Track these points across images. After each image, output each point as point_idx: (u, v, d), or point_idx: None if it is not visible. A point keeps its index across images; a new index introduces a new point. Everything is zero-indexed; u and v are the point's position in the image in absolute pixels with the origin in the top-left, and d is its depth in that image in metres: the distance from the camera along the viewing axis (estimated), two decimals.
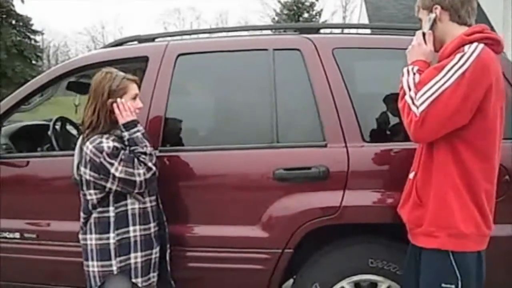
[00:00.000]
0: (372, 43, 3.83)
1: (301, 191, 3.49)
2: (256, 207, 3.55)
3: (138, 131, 3.36)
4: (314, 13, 42.33)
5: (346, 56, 3.68)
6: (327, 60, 3.62)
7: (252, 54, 3.83)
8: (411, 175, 2.94)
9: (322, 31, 4.12)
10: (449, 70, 2.55)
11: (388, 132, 3.71)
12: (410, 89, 2.67)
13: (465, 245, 2.68)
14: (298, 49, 3.70)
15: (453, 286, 2.69)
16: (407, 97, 2.66)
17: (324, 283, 3.50)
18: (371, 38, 3.97)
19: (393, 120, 3.64)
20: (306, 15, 41.59)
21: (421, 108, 2.55)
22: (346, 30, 4.75)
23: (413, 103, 2.60)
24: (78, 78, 4.73)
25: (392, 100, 3.52)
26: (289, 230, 3.48)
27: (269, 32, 4.76)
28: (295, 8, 41.16)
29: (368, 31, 4.40)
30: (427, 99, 2.55)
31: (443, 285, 2.70)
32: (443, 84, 2.54)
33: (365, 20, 35.71)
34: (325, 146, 3.51)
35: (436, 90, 2.54)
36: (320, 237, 3.57)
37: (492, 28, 2.89)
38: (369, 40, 3.91)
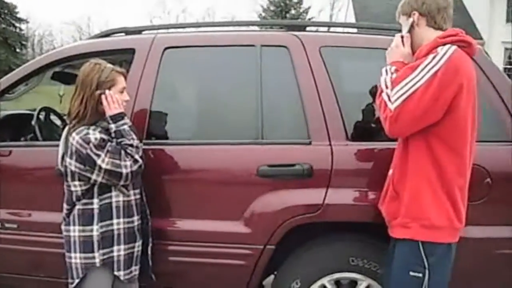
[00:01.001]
0: (359, 42, 3.84)
1: (284, 188, 3.50)
2: (239, 203, 3.55)
3: (125, 123, 3.35)
4: (301, 10, 42.41)
5: (333, 55, 3.69)
6: (314, 58, 3.63)
7: (240, 49, 3.83)
8: (390, 172, 3.06)
9: (308, 29, 4.14)
10: (422, 70, 2.68)
11: (372, 131, 3.70)
12: (387, 87, 2.80)
13: (436, 236, 2.79)
14: (285, 46, 3.70)
15: (420, 274, 2.81)
16: (383, 95, 2.80)
17: (305, 280, 3.52)
18: (358, 38, 3.98)
19: (378, 120, 3.65)
20: (293, 11, 41.70)
21: (395, 104, 2.69)
22: (332, 29, 4.75)
23: (389, 99, 2.74)
24: (63, 68, 4.70)
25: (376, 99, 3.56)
26: (271, 227, 3.49)
27: (256, 28, 4.76)
28: (282, 4, 41.25)
29: (354, 30, 4.42)
30: (401, 96, 2.69)
31: (411, 273, 2.83)
32: (416, 83, 2.67)
33: (351, 19, 35.84)
34: (310, 143, 3.52)
35: (410, 88, 2.68)
36: (302, 234, 3.58)
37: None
38: (356, 39, 3.91)
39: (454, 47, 2.71)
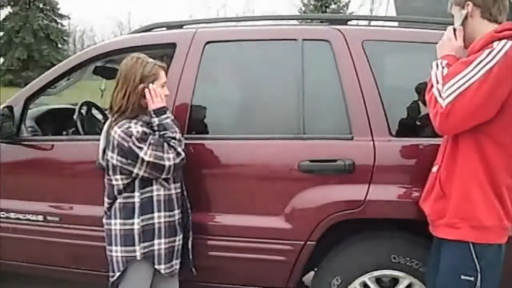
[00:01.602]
0: (401, 36, 3.79)
1: (326, 183, 3.47)
2: (280, 198, 3.54)
3: (168, 117, 3.37)
4: (341, 4, 42.18)
5: (376, 49, 3.64)
6: (357, 52, 3.59)
7: (281, 43, 3.81)
8: (434, 169, 2.97)
9: (350, 23, 4.09)
10: (477, 65, 2.57)
11: (415, 127, 3.67)
12: (438, 82, 2.70)
13: (487, 237, 2.71)
14: (327, 40, 3.66)
15: (472, 278, 2.72)
16: (434, 90, 2.69)
17: (345, 277, 3.49)
18: (401, 31, 3.93)
19: (421, 115, 3.61)
20: (333, 6, 41.45)
21: (447, 100, 2.58)
22: (373, 23, 4.70)
23: (440, 95, 2.63)
24: (105, 63, 4.73)
25: (420, 94, 3.50)
26: (312, 222, 3.47)
27: (296, 22, 4.73)
28: None
29: (395, 24, 4.36)
30: (453, 92, 2.58)
31: (462, 277, 2.73)
32: (470, 78, 2.56)
33: (392, 13, 35.52)
34: (352, 139, 3.49)
35: (463, 84, 2.56)
36: (344, 231, 3.55)
37: None
38: (398, 33, 3.86)
39: (510, 43, 2.58)
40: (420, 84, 3.48)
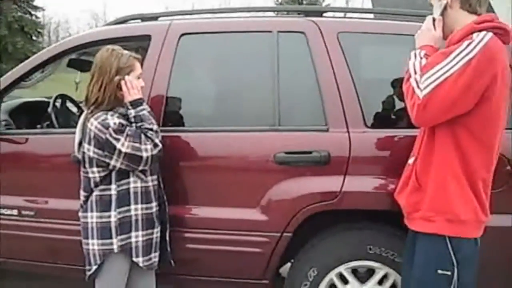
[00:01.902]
0: (377, 28, 3.80)
1: (301, 175, 3.48)
2: (256, 190, 3.54)
3: (144, 109, 3.37)
4: None
5: (351, 41, 3.65)
6: (332, 44, 3.59)
7: (256, 35, 3.80)
8: (410, 161, 2.95)
9: (325, 14, 4.10)
10: (455, 56, 2.54)
11: (391, 119, 3.70)
12: (415, 73, 2.67)
13: (463, 231, 2.70)
14: (302, 32, 3.67)
15: (449, 272, 2.71)
16: (411, 80, 2.66)
17: (322, 267, 3.50)
18: (376, 23, 3.95)
19: (396, 106, 3.64)
20: None
21: (425, 91, 2.56)
22: (348, 15, 4.72)
23: (418, 86, 2.61)
24: (79, 56, 4.70)
25: (396, 86, 3.53)
26: (288, 214, 3.48)
27: (272, 14, 4.73)
28: None
29: (371, 16, 4.38)
30: (431, 83, 2.55)
31: (439, 271, 2.72)
32: (448, 70, 2.53)
33: (368, 5, 35.60)
34: (327, 131, 3.49)
35: (441, 75, 2.54)
36: (320, 222, 3.56)
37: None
38: (374, 25, 3.88)
39: (490, 34, 2.57)
40: (396, 75, 3.51)
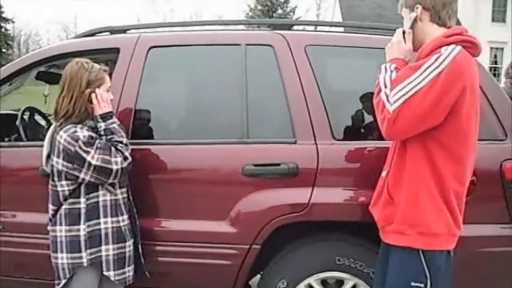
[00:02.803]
0: (344, 41, 3.84)
1: (270, 187, 3.50)
2: (225, 202, 3.55)
3: (114, 122, 3.37)
4: (288, 9, 42.53)
5: (319, 54, 3.69)
6: (299, 57, 3.63)
7: (225, 48, 3.83)
8: (383, 174, 2.96)
9: (295, 28, 4.13)
10: (424, 70, 2.56)
11: (358, 131, 3.73)
12: (385, 86, 2.69)
13: (436, 243, 2.71)
14: (270, 45, 3.70)
15: (422, 285, 2.71)
16: (382, 94, 2.68)
17: (291, 279, 3.51)
18: (344, 36, 3.99)
19: (364, 119, 3.67)
20: (280, 11, 41.79)
21: (395, 106, 2.57)
22: (319, 28, 4.75)
23: (388, 100, 2.62)
24: (48, 68, 4.67)
25: (363, 98, 3.57)
26: (257, 226, 3.49)
27: (242, 27, 4.75)
28: (269, 4, 41.32)
29: (341, 29, 4.42)
30: (401, 97, 2.57)
31: (412, 283, 2.72)
32: (417, 84, 2.55)
33: (338, 19, 35.98)
34: (295, 143, 3.52)
35: (411, 89, 2.56)
36: (288, 234, 3.57)
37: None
38: (341, 38, 3.92)
39: (458, 48, 2.60)
40: (363, 88, 3.55)
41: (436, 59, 2.57)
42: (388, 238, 2.86)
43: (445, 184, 2.68)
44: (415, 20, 2.82)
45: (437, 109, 2.55)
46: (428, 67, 2.56)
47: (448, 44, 2.64)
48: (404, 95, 2.56)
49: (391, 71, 2.74)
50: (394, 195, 2.79)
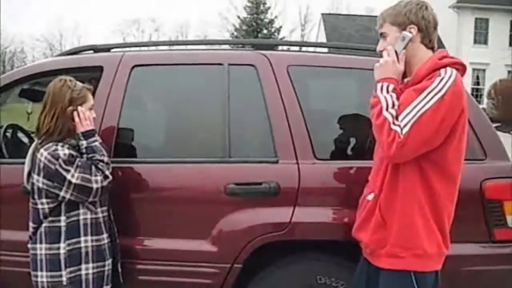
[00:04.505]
0: (327, 61, 3.88)
1: (252, 206, 3.51)
2: (207, 221, 3.54)
3: (96, 140, 3.38)
4: (273, 30, 42.73)
5: (301, 74, 3.71)
6: (282, 77, 3.65)
7: (208, 68, 3.85)
8: (369, 197, 2.92)
9: (280, 48, 4.16)
10: (429, 93, 2.58)
11: (340, 150, 3.74)
12: (389, 107, 2.65)
13: (428, 265, 2.74)
14: (253, 65, 3.72)
15: None
16: (386, 114, 2.63)
17: None
18: (326, 57, 4.02)
19: (346, 139, 3.70)
20: (265, 31, 41.95)
21: (405, 129, 2.55)
22: (303, 49, 4.79)
23: (394, 123, 2.59)
24: (31, 85, 4.67)
25: (345, 118, 3.59)
26: (238, 245, 3.48)
27: (227, 47, 4.78)
28: (254, 24, 41.49)
29: (325, 50, 4.46)
30: (409, 120, 2.56)
31: None
32: (423, 106, 2.56)
33: (323, 39, 36.17)
34: (277, 162, 3.53)
35: (417, 112, 2.56)
36: (270, 253, 3.57)
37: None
38: (324, 59, 3.95)
39: (455, 71, 2.65)
40: (345, 108, 3.58)
41: (439, 82, 2.59)
42: (381, 262, 2.84)
43: (438, 204, 2.71)
44: (409, 41, 2.78)
45: (441, 131, 2.59)
46: (432, 90, 2.58)
47: (443, 66, 2.67)
48: (412, 118, 2.56)
49: (390, 92, 2.71)
50: (387, 218, 2.78)
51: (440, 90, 2.56)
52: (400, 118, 2.59)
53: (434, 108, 2.55)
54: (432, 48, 2.83)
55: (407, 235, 2.71)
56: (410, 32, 2.78)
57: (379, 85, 2.76)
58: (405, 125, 2.56)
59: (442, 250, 2.76)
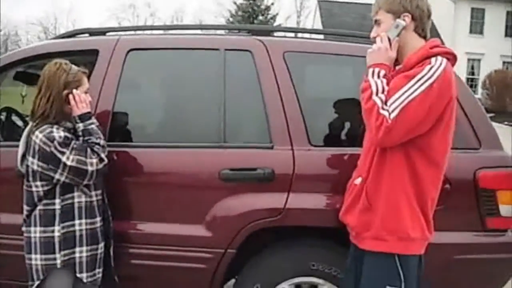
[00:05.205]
0: (323, 48, 3.87)
1: (246, 192, 3.51)
2: (201, 206, 3.55)
3: (93, 123, 3.37)
4: (269, 16, 42.59)
5: (297, 60, 3.71)
6: (278, 63, 3.65)
7: (204, 53, 3.85)
8: (357, 181, 2.99)
9: (275, 34, 4.15)
10: (418, 80, 2.63)
11: (335, 137, 3.75)
12: (379, 92, 2.70)
13: (411, 248, 2.80)
14: (249, 51, 3.72)
15: (397, 287, 2.79)
16: (376, 99, 2.69)
17: (265, 284, 3.52)
18: (322, 44, 4.01)
19: (341, 125, 3.71)
20: (260, 17, 41.82)
21: (393, 114, 2.61)
22: (299, 35, 4.78)
23: (383, 107, 2.65)
24: (26, 68, 4.65)
25: (340, 105, 3.60)
26: (232, 231, 3.49)
27: (222, 32, 4.77)
28: (250, 10, 41.35)
29: (321, 36, 4.45)
30: (398, 106, 2.62)
31: (387, 287, 2.79)
32: (412, 93, 2.62)
33: (318, 26, 36.13)
34: (272, 148, 3.54)
35: (406, 98, 2.61)
36: (263, 239, 3.59)
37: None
38: (320, 45, 3.94)
39: (445, 60, 2.69)
40: (340, 95, 3.58)
41: (429, 70, 2.64)
42: (366, 245, 2.90)
43: (423, 190, 2.76)
44: (403, 29, 2.82)
45: (428, 118, 2.64)
46: (422, 77, 2.63)
47: (434, 55, 2.71)
48: (401, 103, 2.62)
49: (381, 77, 2.76)
50: (373, 202, 2.84)
51: (429, 78, 2.62)
52: (388, 103, 2.65)
53: (423, 95, 2.60)
54: (425, 37, 2.87)
55: (392, 219, 2.78)
56: (404, 20, 2.82)
57: (370, 70, 2.81)
58: (393, 110, 2.62)
59: (426, 235, 2.81)
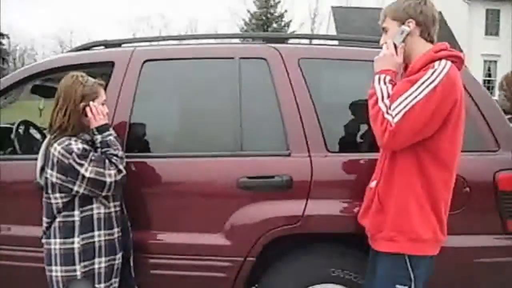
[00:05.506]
0: (337, 54, 3.87)
1: (264, 199, 3.51)
2: (220, 215, 3.55)
3: (110, 134, 3.38)
4: (282, 24, 42.70)
5: (312, 66, 3.72)
6: (293, 70, 3.65)
7: (219, 62, 3.86)
8: (372, 184, 3.04)
9: (290, 41, 4.15)
10: (421, 84, 2.66)
11: (352, 143, 3.75)
12: (384, 97, 2.76)
13: (422, 249, 2.82)
14: (264, 59, 3.72)
15: (406, 287, 2.82)
16: (381, 105, 2.75)
17: None
18: (337, 49, 4.01)
19: (357, 131, 3.70)
20: (274, 25, 41.93)
21: (397, 118, 2.65)
22: (314, 41, 4.78)
23: (387, 112, 2.70)
24: (43, 82, 4.68)
25: (356, 110, 3.59)
26: (251, 239, 3.49)
27: (237, 41, 4.78)
28: (264, 18, 41.48)
29: (335, 42, 4.45)
30: (401, 110, 2.65)
31: (397, 286, 2.83)
32: (415, 97, 2.65)
33: (332, 32, 36.13)
34: (289, 155, 3.53)
35: (410, 102, 2.65)
36: (283, 246, 3.58)
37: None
38: (334, 51, 3.94)
39: (450, 63, 2.71)
40: (356, 100, 3.57)
41: (432, 74, 2.67)
42: (378, 245, 2.95)
43: (434, 192, 2.78)
44: (407, 34, 2.87)
45: (433, 121, 2.66)
46: (425, 81, 2.66)
47: (439, 59, 2.74)
48: (404, 107, 2.65)
49: (388, 83, 2.81)
50: (384, 203, 2.88)
51: (432, 82, 2.65)
52: (392, 107, 2.70)
53: (426, 99, 2.64)
54: (431, 42, 2.91)
55: (402, 220, 2.81)
56: (408, 26, 2.88)
57: (376, 76, 2.87)
58: (396, 114, 2.67)
59: (438, 237, 2.83)
